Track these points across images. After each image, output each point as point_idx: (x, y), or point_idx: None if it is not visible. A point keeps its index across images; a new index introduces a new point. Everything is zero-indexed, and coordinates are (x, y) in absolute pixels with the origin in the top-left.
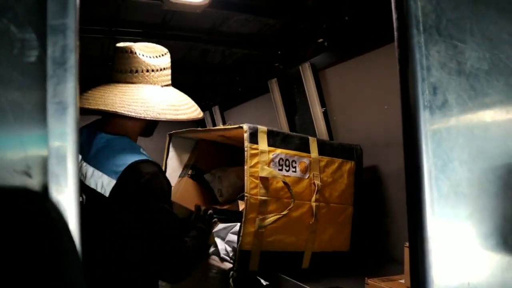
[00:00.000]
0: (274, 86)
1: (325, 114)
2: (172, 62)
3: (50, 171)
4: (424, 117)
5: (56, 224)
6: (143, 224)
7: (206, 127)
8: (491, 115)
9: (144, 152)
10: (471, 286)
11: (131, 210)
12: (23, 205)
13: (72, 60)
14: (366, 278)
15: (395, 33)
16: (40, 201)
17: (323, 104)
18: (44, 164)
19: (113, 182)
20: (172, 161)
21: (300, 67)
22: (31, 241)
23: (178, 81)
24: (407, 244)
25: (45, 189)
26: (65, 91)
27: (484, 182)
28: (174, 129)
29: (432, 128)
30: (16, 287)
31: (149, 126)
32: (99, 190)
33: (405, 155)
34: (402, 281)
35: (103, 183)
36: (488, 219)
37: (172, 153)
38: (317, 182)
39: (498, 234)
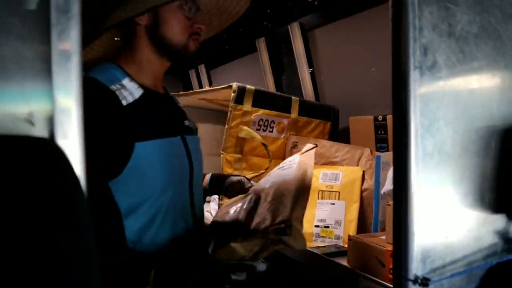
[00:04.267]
0: (262, 45)
1: (312, 75)
2: None
3: (55, 118)
4: (414, 76)
5: (63, 169)
6: None
7: (191, 89)
8: (477, 78)
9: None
10: (449, 239)
11: None
12: (28, 151)
13: (76, 7)
14: (349, 235)
15: None
16: (44, 147)
17: (310, 64)
18: (48, 112)
19: None
20: None
21: (289, 26)
22: (40, 185)
23: None
24: (389, 202)
25: (50, 136)
26: (69, 39)
27: (467, 142)
28: None
29: (420, 88)
30: (24, 229)
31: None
32: None
33: (394, 113)
34: (383, 237)
35: None
36: (468, 178)
37: None
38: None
39: (476, 192)
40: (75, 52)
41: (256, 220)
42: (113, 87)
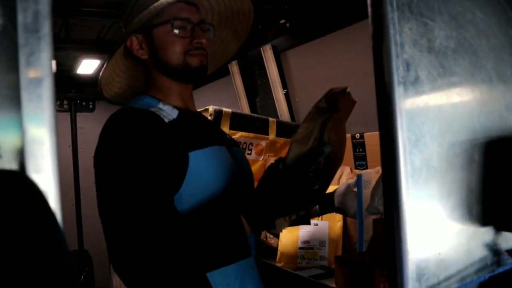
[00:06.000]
0: (234, 68)
1: (287, 96)
2: None
3: (26, 150)
4: (398, 92)
5: (36, 202)
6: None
7: None
8: (457, 92)
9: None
10: (442, 255)
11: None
12: None
13: (46, 27)
14: (335, 255)
15: (369, 9)
16: (12, 180)
17: (284, 86)
18: (17, 144)
19: None
20: None
21: (261, 48)
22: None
23: None
24: (374, 217)
25: (21, 169)
26: (39, 62)
27: (452, 156)
28: None
29: (405, 104)
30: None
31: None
32: None
33: (380, 130)
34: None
35: None
36: (455, 192)
37: None
38: (271, 162)
39: (464, 205)
40: (47, 76)
41: None
42: (152, 109)
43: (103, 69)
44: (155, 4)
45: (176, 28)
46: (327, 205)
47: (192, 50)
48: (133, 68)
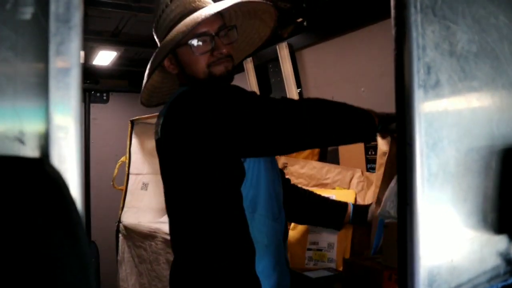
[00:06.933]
0: (249, 65)
1: (301, 95)
2: (144, 36)
3: (51, 138)
4: (418, 95)
5: (55, 192)
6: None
7: None
8: (477, 97)
9: None
10: (454, 262)
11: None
12: (17, 171)
13: (77, 17)
14: (344, 258)
15: (392, 11)
16: (36, 168)
17: (298, 84)
18: (43, 131)
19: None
20: (136, 148)
21: (277, 46)
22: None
23: (149, 55)
24: (385, 223)
25: (44, 157)
26: (69, 51)
27: (469, 162)
28: None
29: (424, 107)
30: (19, 251)
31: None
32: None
33: (398, 132)
34: (380, 260)
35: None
36: (471, 198)
37: (135, 140)
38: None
39: (479, 212)
40: (75, 66)
41: None
42: None
43: (148, 80)
44: (177, 31)
45: (196, 47)
46: (360, 216)
47: (214, 61)
48: (162, 76)
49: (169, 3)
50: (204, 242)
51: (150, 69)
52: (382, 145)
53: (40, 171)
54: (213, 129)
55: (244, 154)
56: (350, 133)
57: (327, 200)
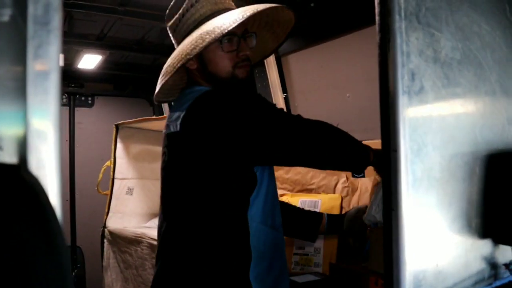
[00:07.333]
0: None
1: (286, 100)
2: (129, 40)
3: (29, 144)
4: (402, 101)
5: (34, 197)
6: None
7: (163, 114)
8: (461, 104)
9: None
10: (440, 267)
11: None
12: None
13: (56, 20)
14: (330, 262)
15: (377, 17)
16: (12, 175)
17: (284, 90)
18: (21, 136)
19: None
20: (121, 153)
21: None
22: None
23: (138, 60)
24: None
25: (22, 163)
26: (47, 55)
27: (453, 167)
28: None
29: (409, 113)
30: None
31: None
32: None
33: (383, 138)
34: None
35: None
36: (456, 203)
37: (120, 145)
38: None
39: (464, 217)
40: (54, 70)
41: None
42: None
43: (166, 78)
44: (214, 26)
45: (225, 45)
46: (335, 226)
47: (239, 62)
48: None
49: (194, 3)
50: (203, 242)
51: (180, 61)
52: None
53: (16, 177)
54: (234, 132)
55: (257, 161)
56: (347, 162)
57: (301, 211)
